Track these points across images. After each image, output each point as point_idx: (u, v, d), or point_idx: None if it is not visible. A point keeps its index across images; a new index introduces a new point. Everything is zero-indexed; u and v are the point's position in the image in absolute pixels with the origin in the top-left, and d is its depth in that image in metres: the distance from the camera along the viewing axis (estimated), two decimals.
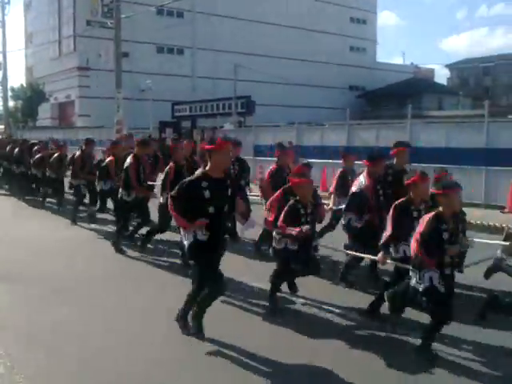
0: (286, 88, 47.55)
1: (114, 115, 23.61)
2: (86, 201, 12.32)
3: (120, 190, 8.94)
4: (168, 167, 8.28)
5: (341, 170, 8.85)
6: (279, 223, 5.93)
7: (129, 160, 8.83)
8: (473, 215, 10.78)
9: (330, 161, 16.55)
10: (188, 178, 5.21)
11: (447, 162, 15.10)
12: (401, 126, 17.10)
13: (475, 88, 70.56)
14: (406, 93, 49.91)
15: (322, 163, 17.09)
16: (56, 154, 13.52)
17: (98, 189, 11.14)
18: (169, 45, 46.45)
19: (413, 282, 4.87)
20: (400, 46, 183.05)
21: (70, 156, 13.35)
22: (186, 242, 5.17)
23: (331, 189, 8.82)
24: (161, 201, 8.22)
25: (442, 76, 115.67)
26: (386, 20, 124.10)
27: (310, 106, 46.83)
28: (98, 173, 11.03)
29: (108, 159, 10.75)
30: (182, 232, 5.25)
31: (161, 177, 8.98)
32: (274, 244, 6.15)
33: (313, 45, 51.63)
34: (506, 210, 12.53)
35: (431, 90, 55.99)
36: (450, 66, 78.34)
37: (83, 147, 12.25)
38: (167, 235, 9.24)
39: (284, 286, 6.49)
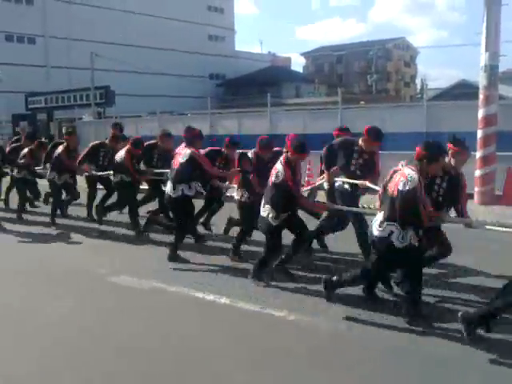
0: (146, 77, 46.80)
1: None
2: None
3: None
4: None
5: None
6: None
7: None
8: None
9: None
10: None
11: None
12: (261, 115, 17.57)
13: (330, 75, 73.86)
14: (265, 81, 51.08)
15: None
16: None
17: None
18: (19, 33, 43.77)
19: None
20: (258, 34, 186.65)
21: None
22: None
23: None
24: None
25: (298, 64, 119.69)
26: (244, 9, 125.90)
27: (170, 96, 46.40)
28: None
29: None
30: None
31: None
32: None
33: (171, 33, 51.12)
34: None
35: (289, 78, 57.74)
36: (305, 55, 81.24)
37: None
38: None
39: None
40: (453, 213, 5.94)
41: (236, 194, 7.89)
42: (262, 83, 50.01)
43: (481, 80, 11.68)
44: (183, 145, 7.95)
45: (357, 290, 6.08)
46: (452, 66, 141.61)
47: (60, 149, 10.53)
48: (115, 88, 27.91)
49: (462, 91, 29.30)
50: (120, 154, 9.49)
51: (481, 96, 11.59)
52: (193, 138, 7.90)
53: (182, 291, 6.39)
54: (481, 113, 11.56)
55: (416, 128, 13.73)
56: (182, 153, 7.71)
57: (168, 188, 7.74)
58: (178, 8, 52.31)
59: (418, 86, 71.82)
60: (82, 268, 7.58)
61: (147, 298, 6.29)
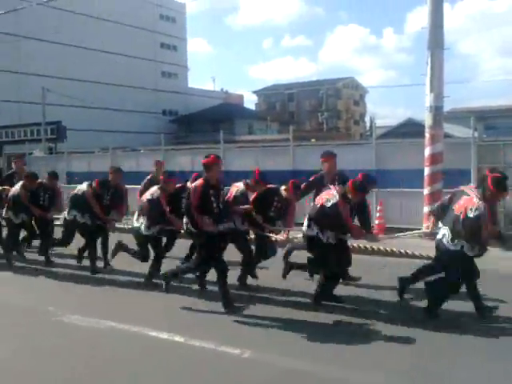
0: (99, 113, 46.56)
1: None
2: None
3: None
4: None
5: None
6: None
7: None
8: None
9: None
10: None
11: None
12: (214, 151, 17.64)
13: (281, 113, 74.90)
14: (218, 118, 51.49)
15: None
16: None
17: None
18: None
19: None
20: (211, 72, 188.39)
21: None
22: None
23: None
24: None
25: (250, 102, 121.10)
26: (197, 47, 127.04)
27: (123, 131, 46.32)
28: None
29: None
30: None
31: None
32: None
33: (124, 69, 51.25)
34: None
35: (241, 115, 58.36)
36: (257, 92, 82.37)
37: None
38: None
39: None
40: None
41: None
42: (215, 120, 50.43)
43: (426, 120, 12.11)
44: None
45: (320, 325, 6.19)
46: (399, 104, 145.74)
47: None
48: (67, 123, 27.65)
49: (409, 129, 30.16)
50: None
51: (427, 135, 12.00)
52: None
53: (136, 330, 6.31)
54: (427, 151, 11.95)
55: (365, 165, 14.04)
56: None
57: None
58: (132, 44, 52.56)
59: (368, 124, 73.58)
60: (31, 307, 7.44)
61: (98, 337, 6.19)
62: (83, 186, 9.61)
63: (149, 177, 10.91)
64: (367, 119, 78.16)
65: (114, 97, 48.92)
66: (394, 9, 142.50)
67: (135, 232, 8.47)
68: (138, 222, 8.37)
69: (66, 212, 9.80)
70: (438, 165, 11.90)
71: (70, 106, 41.74)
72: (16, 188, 10.17)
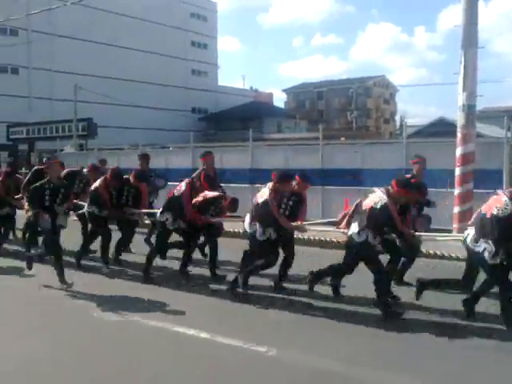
0: (129, 110, 46.97)
1: None
2: None
3: None
4: None
5: None
6: None
7: None
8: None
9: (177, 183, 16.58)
10: None
11: None
12: (243, 149, 17.69)
13: (310, 111, 74.69)
14: (248, 116, 51.57)
15: (169, 185, 17.09)
16: None
17: None
18: (2, 64, 43.78)
19: None
20: (241, 70, 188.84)
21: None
22: None
23: None
24: None
25: (280, 100, 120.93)
26: (228, 45, 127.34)
27: (152, 128, 46.63)
28: None
29: None
30: None
31: None
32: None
33: (155, 67, 51.60)
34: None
35: (271, 114, 58.35)
36: (286, 91, 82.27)
37: None
38: None
39: None
40: None
41: None
42: (244, 118, 50.51)
43: (458, 119, 11.91)
44: None
45: (345, 325, 6.14)
46: (430, 103, 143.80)
47: None
48: (98, 120, 27.99)
49: (441, 129, 29.75)
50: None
51: (458, 135, 11.81)
52: None
53: (162, 326, 6.34)
54: (459, 151, 11.76)
55: (395, 165, 13.89)
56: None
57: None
58: (163, 42, 52.89)
59: (398, 123, 72.92)
60: (65, 302, 7.54)
61: (125, 333, 6.24)
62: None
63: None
64: (397, 118, 77.62)
65: (144, 94, 49.26)
66: (425, 7, 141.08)
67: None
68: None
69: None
70: (469, 165, 11.72)
71: (100, 103, 42.24)
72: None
